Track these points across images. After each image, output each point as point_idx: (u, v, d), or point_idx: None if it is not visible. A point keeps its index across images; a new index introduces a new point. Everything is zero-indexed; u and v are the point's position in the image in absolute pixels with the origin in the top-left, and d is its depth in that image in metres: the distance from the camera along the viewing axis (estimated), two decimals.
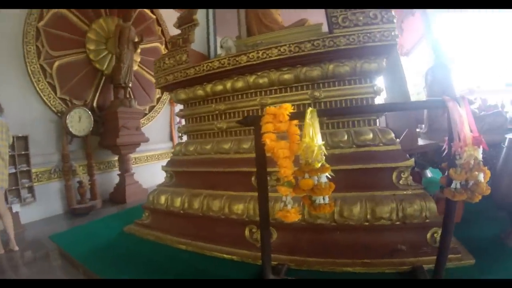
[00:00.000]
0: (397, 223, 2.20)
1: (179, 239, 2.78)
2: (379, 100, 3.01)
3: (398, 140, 2.56)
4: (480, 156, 1.53)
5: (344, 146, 2.52)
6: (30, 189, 4.31)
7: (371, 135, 2.52)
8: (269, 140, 1.56)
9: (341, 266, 2.10)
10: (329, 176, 1.55)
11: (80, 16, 5.33)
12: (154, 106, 6.83)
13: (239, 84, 2.87)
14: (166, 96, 6.91)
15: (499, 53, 5.96)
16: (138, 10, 6.32)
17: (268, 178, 2.41)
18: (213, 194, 2.80)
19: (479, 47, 5.88)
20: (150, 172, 6.07)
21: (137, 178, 5.56)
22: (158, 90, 6.71)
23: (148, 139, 5.70)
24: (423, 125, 3.80)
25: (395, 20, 2.44)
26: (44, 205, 4.48)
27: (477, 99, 4.84)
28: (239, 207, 2.59)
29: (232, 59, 2.77)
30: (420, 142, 3.14)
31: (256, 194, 2.52)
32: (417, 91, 5.42)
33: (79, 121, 4.85)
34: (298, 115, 1.62)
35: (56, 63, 4.94)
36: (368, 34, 2.42)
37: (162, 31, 7.03)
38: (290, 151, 1.58)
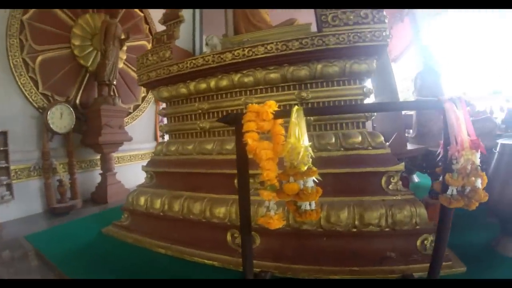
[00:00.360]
0: (386, 229, 2.09)
1: (158, 243, 2.60)
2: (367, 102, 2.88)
3: (387, 144, 2.44)
4: (477, 161, 1.42)
5: (331, 149, 2.38)
6: (9, 187, 4.05)
7: (360, 138, 2.39)
8: (251, 139, 1.40)
9: (327, 274, 1.97)
10: (316, 180, 1.41)
11: (66, 11, 5.09)
12: (139, 105, 6.58)
13: (224, 82, 2.71)
14: (151, 95, 6.68)
15: (485, 60, 5.98)
16: None
17: (252, 180, 2.30)
18: (194, 196, 2.62)
19: (466, 54, 5.88)
20: (133, 172, 5.82)
21: (120, 178, 5.34)
22: (144, 89, 6.50)
23: (131, 138, 5.48)
24: (411, 130, 3.72)
25: (386, 20, 2.34)
26: (23, 204, 4.22)
27: None
28: (220, 211, 2.42)
29: (216, 57, 2.61)
30: (409, 146, 3.03)
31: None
32: (404, 97, 5.36)
33: (61, 118, 4.60)
34: (283, 114, 1.48)
35: (39, 58, 4.68)
36: (358, 34, 2.30)
37: (149, 29, 6.79)
38: (274, 152, 1.43)
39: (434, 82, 3.38)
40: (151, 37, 6.72)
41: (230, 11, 3.32)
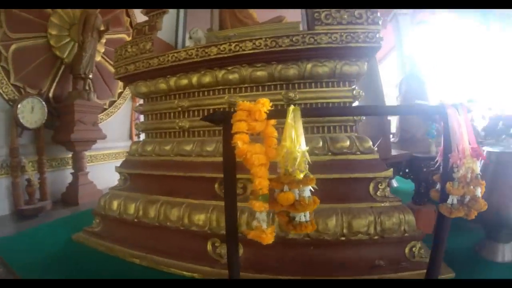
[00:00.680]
0: (375, 237, 2.00)
1: (133, 252, 2.36)
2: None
3: (376, 148, 2.32)
4: (478, 169, 1.37)
5: (319, 153, 2.23)
6: None
7: (348, 143, 2.25)
8: (241, 142, 1.20)
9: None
10: (312, 189, 1.25)
11: None
12: (114, 101, 6.18)
13: (207, 78, 2.49)
14: (128, 92, 6.31)
15: (462, 69, 6.09)
16: None
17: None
18: (172, 201, 2.39)
19: (444, 62, 5.95)
20: (106, 172, 5.42)
21: (92, 178, 4.98)
22: (121, 84, 6.13)
23: (105, 136, 5.13)
24: (391, 135, 3.66)
25: (380, 22, 2.23)
26: None
27: None
28: (200, 218, 2.21)
29: (201, 51, 2.39)
30: (393, 152, 2.94)
31: (219, 203, 2.20)
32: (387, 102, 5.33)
33: (32, 112, 4.20)
34: (277, 114, 1.30)
35: (13, 46, 4.28)
36: (351, 34, 2.18)
37: (130, 22, 6.40)
38: (266, 157, 1.25)
39: (419, 88, 3.33)
40: (131, 30, 6.34)
41: None
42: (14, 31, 4.30)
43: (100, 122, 5.50)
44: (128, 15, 6.41)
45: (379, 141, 2.71)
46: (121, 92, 6.33)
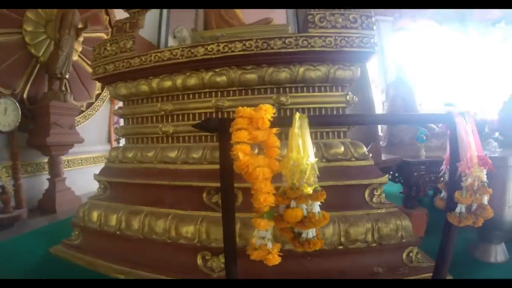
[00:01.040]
0: (373, 245, 1.95)
1: (116, 267, 2.16)
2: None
3: (370, 154, 2.23)
4: (484, 178, 1.37)
5: None
6: None
7: (342, 149, 2.15)
8: (242, 153, 1.06)
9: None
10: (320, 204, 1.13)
11: None
12: (92, 103, 5.83)
13: (192, 81, 2.31)
14: (106, 93, 5.98)
15: (440, 73, 6.20)
16: None
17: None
18: (156, 212, 2.20)
19: (423, 67, 6.03)
20: (84, 177, 5.11)
21: (70, 184, 4.67)
22: (99, 86, 5.80)
23: (83, 140, 4.82)
24: (381, 139, 3.62)
25: (375, 27, 2.15)
26: None
27: None
28: (188, 230, 2.04)
29: (186, 51, 2.21)
30: (382, 156, 2.88)
31: (209, 214, 2.05)
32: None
33: (5, 114, 3.87)
34: (281, 122, 1.16)
35: None
36: (346, 38, 2.09)
37: (109, 21, 6.06)
38: (270, 170, 1.11)
39: (407, 93, 3.29)
40: (110, 29, 6.03)
41: None
42: None
43: (77, 125, 5.18)
44: (107, 13, 6.09)
45: (369, 146, 2.63)
46: (99, 94, 6.00)
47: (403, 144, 3.20)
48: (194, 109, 2.39)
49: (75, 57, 5.11)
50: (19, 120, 4.01)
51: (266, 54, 2.11)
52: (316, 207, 1.10)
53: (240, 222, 1.92)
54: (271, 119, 1.10)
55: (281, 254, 1.17)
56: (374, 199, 2.12)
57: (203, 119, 2.13)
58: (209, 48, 2.17)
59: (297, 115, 1.08)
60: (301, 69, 2.17)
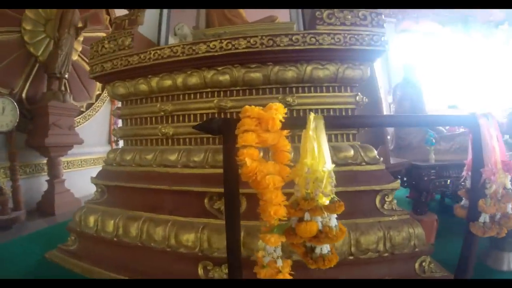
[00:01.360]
0: (385, 254, 1.82)
1: (112, 275, 2.03)
2: None
3: (381, 158, 2.08)
4: (509, 184, 1.25)
5: None
6: None
7: (352, 152, 2.01)
8: (250, 159, 0.91)
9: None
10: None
11: None
12: (92, 104, 5.70)
13: (193, 80, 2.16)
14: (106, 93, 5.85)
15: (443, 75, 6.08)
16: None
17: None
18: (155, 218, 2.05)
19: (427, 69, 5.89)
20: (84, 179, 4.94)
21: (70, 186, 4.54)
22: (99, 86, 5.66)
23: (82, 141, 4.68)
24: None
25: (385, 25, 2.02)
26: None
27: None
28: (189, 238, 1.89)
29: (187, 48, 2.06)
30: (391, 160, 2.73)
31: (211, 221, 1.89)
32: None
33: (2, 114, 3.76)
34: (293, 123, 1.01)
35: None
36: (355, 36, 1.95)
37: (110, 20, 5.92)
38: (281, 177, 0.96)
39: (415, 94, 3.14)
40: (111, 29, 5.90)
41: None
42: None
43: (77, 126, 5.05)
44: (107, 13, 5.96)
45: (378, 149, 2.48)
46: (99, 94, 5.87)
47: (411, 147, 3.05)
48: (195, 109, 2.24)
49: (75, 57, 4.99)
50: (17, 120, 3.90)
51: (272, 52, 1.97)
52: (333, 220, 0.95)
53: (244, 231, 1.77)
54: (283, 120, 0.96)
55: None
56: (385, 206, 1.98)
57: (204, 120, 1.99)
58: (211, 45, 2.02)
59: (312, 115, 0.94)
60: (309, 68, 2.03)
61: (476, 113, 1.33)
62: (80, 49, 5.27)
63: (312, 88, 2.13)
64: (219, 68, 2.12)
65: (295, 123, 1.01)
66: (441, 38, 5.96)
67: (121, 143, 2.82)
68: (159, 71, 2.25)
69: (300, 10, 2.45)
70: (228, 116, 2.15)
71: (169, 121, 2.32)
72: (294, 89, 2.12)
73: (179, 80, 2.21)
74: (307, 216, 0.94)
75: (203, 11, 2.73)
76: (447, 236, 2.58)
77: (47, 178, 4.40)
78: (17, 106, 3.89)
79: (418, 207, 2.72)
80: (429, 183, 2.65)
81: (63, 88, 4.58)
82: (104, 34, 5.67)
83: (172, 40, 2.55)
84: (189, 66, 2.16)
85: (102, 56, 2.43)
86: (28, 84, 4.47)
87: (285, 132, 1.04)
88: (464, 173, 1.51)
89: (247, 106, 0.97)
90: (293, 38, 1.93)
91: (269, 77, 2.07)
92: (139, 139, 2.47)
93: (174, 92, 2.30)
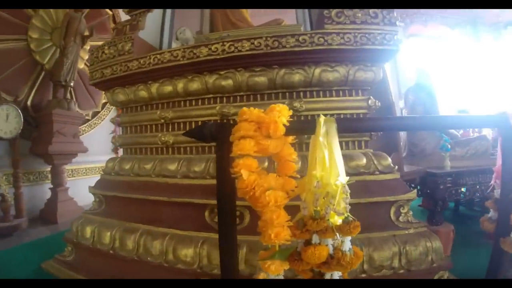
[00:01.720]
0: (401, 271, 1.63)
1: None
2: None
3: (396, 167, 1.90)
4: None
5: None
6: None
7: (364, 161, 1.83)
8: (247, 171, 0.75)
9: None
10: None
11: None
12: (98, 112, 5.64)
13: (195, 85, 2.02)
14: (107, 100, 5.81)
15: (452, 80, 5.88)
16: None
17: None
18: (153, 231, 1.90)
19: (433, 72, 5.73)
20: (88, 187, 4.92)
21: (73, 194, 4.43)
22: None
23: (86, 149, 4.60)
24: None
25: (398, 23, 1.84)
26: None
27: None
28: (188, 253, 1.73)
29: (188, 52, 1.92)
30: (404, 168, 2.54)
31: (211, 235, 1.69)
32: None
33: (6, 121, 3.70)
34: (299, 128, 0.85)
35: None
36: (367, 35, 1.78)
37: None
38: (284, 193, 0.80)
39: (428, 98, 2.96)
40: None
41: None
42: None
43: (82, 134, 4.98)
44: (114, 21, 5.91)
45: (391, 157, 2.30)
46: (105, 103, 5.80)
47: (424, 154, 2.85)
48: (196, 116, 2.09)
49: (81, 65, 4.93)
50: (21, 127, 3.85)
51: (277, 54, 1.81)
52: (347, 243, 0.78)
53: (247, 246, 1.61)
54: (287, 124, 0.80)
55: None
56: (400, 218, 1.79)
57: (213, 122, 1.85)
58: (213, 48, 1.88)
59: (322, 118, 0.78)
60: (317, 71, 1.86)
61: (507, 112, 1.15)
62: (86, 57, 5.24)
63: (320, 92, 1.96)
64: (222, 73, 1.97)
65: (302, 128, 0.85)
66: (450, 41, 5.78)
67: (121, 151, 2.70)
68: (159, 76, 2.11)
69: (307, 12, 2.29)
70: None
71: (169, 129, 2.17)
72: (301, 94, 1.96)
73: (180, 85, 2.07)
74: (315, 238, 0.77)
75: (207, 16, 2.61)
76: (464, 247, 2.45)
77: (51, 186, 4.32)
78: (21, 113, 3.84)
79: (433, 218, 2.52)
80: (445, 191, 2.45)
81: (68, 96, 4.53)
82: None
83: (175, 46, 2.43)
84: (190, 70, 2.01)
85: (102, 62, 2.31)
86: (33, 91, 4.43)
87: (290, 138, 0.87)
88: (492, 181, 1.33)
89: (244, 108, 0.81)
90: (300, 38, 1.77)
91: (275, 81, 1.91)
92: (139, 148, 2.32)
93: (174, 99, 2.15)
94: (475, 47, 5.66)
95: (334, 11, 1.81)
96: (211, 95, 2.07)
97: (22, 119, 3.84)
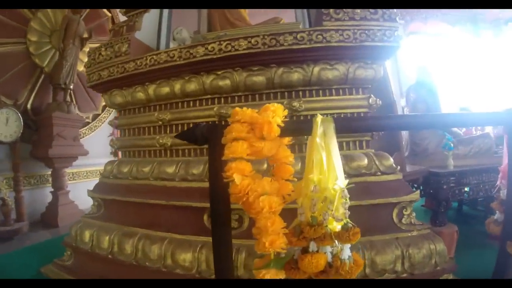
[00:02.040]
0: (404, 275, 1.57)
1: None
2: None
3: (398, 167, 1.84)
4: None
5: None
6: None
7: (365, 161, 1.77)
8: (239, 176, 0.70)
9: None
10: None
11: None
12: (98, 115, 5.57)
13: (192, 86, 1.97)
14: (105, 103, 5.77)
15: (453, 77, 5.82)
16: None
17: None
18: (151, 235, 1.85)
19: (433, 70, 5.67)
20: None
21: (74, 197, 4.38)
22: None
23: (87, 152, 4.55)
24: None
25: (397, 19, 1.79)
26: None
27: None
28: (186, 257, 1.68)
29: (184, 52, 1.87)
30: (407, 168, 2.48)
31: (210, 239, 1.63)
32: None
33: (6, 124, 3.68)
34: (295, 129, 0.80)
35: None
36: (366, 31, 1.73)
37: None
38: (280, 198, 0.75)
39: (429, 96, 2.90)
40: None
41: None
42: None
43: (83, 137, 4.94)
44: (113, 23, 5.88)
45: (393, 156, 2.25)
46: (106, 105, 5.76)
47: (427, 154, 2.79)
48: (194, 118, 2.04)
49: (80, 68, 4.88)
50: (21, 131, 3.82)
51: (275, 52, 1.76)
52: (347, 251, 0.73)
53: (245, 251, 1.56)
54: (282, 125, 0.75)
55: None
56: (403, 220, 1.74)
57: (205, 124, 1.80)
58: (209, 47, 1.83)
59: (319, 118, 0.73)
60: (316, 69, 1.81)
61: None
62: (85, 60, 5.19)
63: (320, 91, 1.90)
64: (219, 72, 1.92)
65: (298, 128, 0.79)
66: (450, 39, 5.72)
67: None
68: (156, 77, 2.06)
69: (305, 11, 2.25)
70: None
71: (167, 131, 2.12)
72: (300, 93, 1.90)
73: (177, 86, 2.02)
74: (313, 246, 0.72)
75: (204, 16, 2.56)
76: (468, 248, 2.40)
77: (52, 189, 4.28)
78: (21, 117, 3.81)
79: (437, 218, 2.45)
80: (449, 191, 2.39)
81: (68, 99, 4.50)
82: None
83: (172, 45, 2.39)
84: (187, 71, 1.96)
85: (99, 64, 2.27)
86: (33, 95, 4.40)
87: (286, 139, 0.83)
88: (498, 181, 1.27)
89: (237, 108, 0.76)
90: (298, 36, 1.72)
91: (273, 80, 1.86)
92: (137, 150, 2.27)
93: (172, 100, 2.11)
94: (476, 43, 5.59)
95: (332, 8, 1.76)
96: (208, 96, 2.02)
97: (22, 123, 3.81)
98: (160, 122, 2.09)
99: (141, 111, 2.25)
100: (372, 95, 1.89)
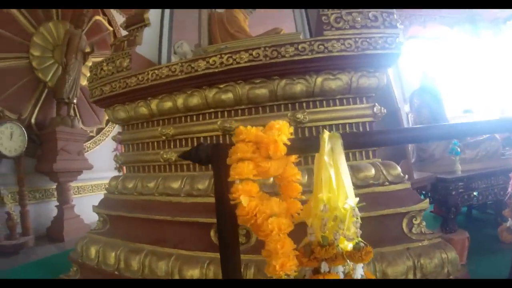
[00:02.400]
0: None
1: None
2: None
3: (406, 176, 1.82)
4: None
5: None
6: None
7: (373, 171, 1.74)
8: (246, 197, 0.69)
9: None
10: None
11: (28, 16, 4.31)
12: (102, 129, 5.64)
13: (194, 100, 1.97)
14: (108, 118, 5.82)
15: (457, 80, 5.80)
16: (94, 19, 5.32)
17: None
18: (158, 252, 1.83)
19: (435, 74, 5.66)
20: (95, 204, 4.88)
21: (79, 211, 4.40)
22: None
23: (91, 167, 4.59)
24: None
25: (399, 25, 1.78)
26: None
27: None
28: (194, 274, 1.66)
29: (186, 66, 1.88)
30: (414, 175, 2.45)
31: (217, 255, 1.60)
32: None
33: (11, 139, 3.73)
34: (301, 147, 0.78)
35: None
36: (368, 39, 1.72)
37: None
38: (289, 218, 0.73)
39: (433, 101, 2.88)
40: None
41: (205, 18, 2.63)
42: None
43: (87, 151, 5.00)
44: (115, 37, 5.98)
45: (400, 164, 2.22)
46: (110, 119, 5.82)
47: (433, 159, 2.76)
48: (198, 132, 2.04)
49: (83, 82, 4.95)
50: (26, 146, 3.87)
51: (277, 64, 1.75)
52: (359, 270, 0.71)
53: (254, 266, 1.53)
54: (288, 143, 0.73)
55: None
56: (413, 230, 1.70)
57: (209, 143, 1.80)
58: (211, 61, 1.83)
59: (326, 134, 0.71)
60: (319, 79, 1.80)
61: None
62: (88, 74, 5.26)
63: (324, 102, 1.89)
64: (221, 86, 1.91)
65: (305, 146, 0.77)
66: (450, 41, 5.72)
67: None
68: (159, 92, 2.07)
69: (305, 19, 2.26)
70: None
71: (171, 146, 2.12)
72: (304, 104, 1.89)
73: (180, 101, 2.02)
74: (324, 266, 0.70)
75: (205, 28, 2.58)
76: (479, 253, 2.36)
77: (57, 203, 4.30)
78: (25, 132, 3.87)
79: (447, 225, 2.41)
80: (458, 197, 2.35)
81: (72, 113, 4.56)
82: None
83: (173, 59, 2.40)
84: (189, 85, 1.96)
85: (101, 79, 2.28)
86: (37, 109, 4.45)
87: (293, 157, 0.81)
88: (509, 188, 1.25)
89: (241, 127, 0.75)
90: (299, 47, 1.71)
91: (276, 92, 1.85)
92: (142, 166, 2.27)
93: (175, 115, 2.11)
94: (475, 44, 5.59)
95: (332, 17, 1.75)
96: (211, 110, 2.01)
97: (26, 137, 3.86)
98: (164, 137, 2.09)
99: (144, 126, 2.25)
100: (376, 104, 1.87)
